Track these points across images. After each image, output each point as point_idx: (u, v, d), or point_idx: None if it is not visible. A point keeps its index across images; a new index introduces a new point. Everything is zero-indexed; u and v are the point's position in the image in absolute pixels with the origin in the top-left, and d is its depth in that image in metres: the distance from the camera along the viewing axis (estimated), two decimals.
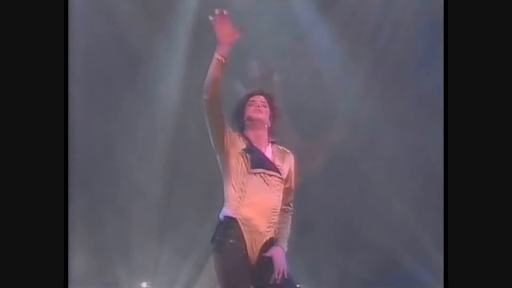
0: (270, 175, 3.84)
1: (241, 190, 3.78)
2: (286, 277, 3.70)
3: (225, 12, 3.71)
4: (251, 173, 3.80)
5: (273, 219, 3.84)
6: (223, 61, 3.72)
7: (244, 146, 3.86)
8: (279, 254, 3.75)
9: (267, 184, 3.82)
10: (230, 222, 3.77)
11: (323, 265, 10.45)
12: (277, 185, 3.87)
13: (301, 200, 4.17)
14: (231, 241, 3.72)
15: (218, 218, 3.85)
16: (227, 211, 3.81)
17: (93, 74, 10.12)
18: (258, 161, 3.83)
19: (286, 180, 3.93)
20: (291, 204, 4.01)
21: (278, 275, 3.68)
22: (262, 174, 3.82)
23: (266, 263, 3.73)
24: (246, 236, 3.74)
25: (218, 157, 3.88)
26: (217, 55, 3.72)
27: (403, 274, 10.36)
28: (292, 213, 4.01)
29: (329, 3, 10.45)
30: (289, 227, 3.95)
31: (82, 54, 9.53)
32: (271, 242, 3.82)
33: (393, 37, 10.49)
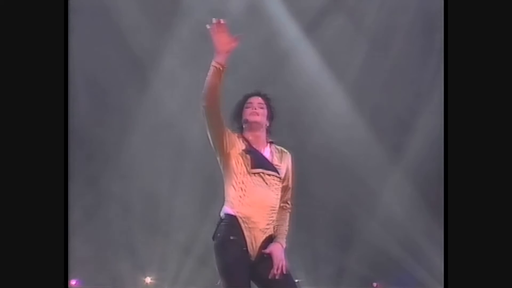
0: (269, 175, 3.90)
1: (241, 190, 3.84)
2: (285, 272, 3.77)
3: (222, 21, 3.73)
4: (251, 173, 3.86)
5: (272, 216, 3.90)
6: (221, 68, 3.73)
7: (244, 147, 3.91)
8: (278, 250, 3.82)
9: (266, 183, 3.88)
10: (231, 220, 3.82)
11: (321, 261, 10.50)
12: (276, 184, 3.93)
13: (300, 197, 4.22)
14: (231, 238, 3.78)
15: (219, 216, 3.89)
16: (227, 209, 3.86)
17: (96, 75, 10.16)
18: (257, 162, 3.88)
19: (284, 179, 4.00)
20: (289, 202, 4.08)
21: (277, 270, 3.75)
22: (261, 174, 3.88)
23: (265, 259, 3.79)
24: (246, 233, 3.80)
25: (218, 158, 3.93)
26: (214, 63, 3.74)
27: (402, 273, 10.41)
28: (290, 210, 4.08)
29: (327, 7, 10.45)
30: (287, 224, 4.03)
31: (84, 54, 9.57)
32: (270, 239, 3.88)
33: (392, 38, 10.48)
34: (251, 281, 3.81)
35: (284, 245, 3.89)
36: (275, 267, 3.74)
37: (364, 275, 10.68)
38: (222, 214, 3.88)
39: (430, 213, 9.74)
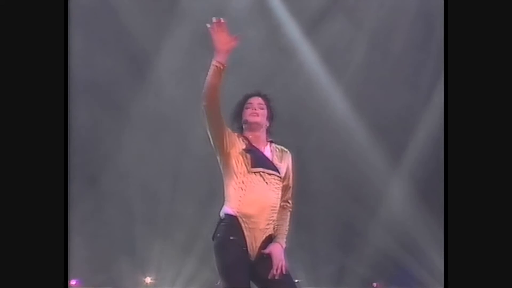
0: (269, 174, 3.90)
1: (241, 189, 3.84)
2: (284, 272, 3.77)
3: (222, 20, 3.73)
4: (251, 172, 3.85)
5: (272, 216, 3.90)
6: (221, 67, 3.74)
7: (244, 146, 3.91)
8: (277, 251, 3.82)
9: (266, 182, 3.88)
10: (231, 220, 3.82)
11: (321, 261, 10.49)
12: (276, 183, 3.92)
13: (300, 197, 4.21)
14: (231, 238, 3.78)
15: (219, 216, 3.88)
16: (227, 209, 3.86)
17: (96, 75, 10.16)
18: (257, 161, 3.88)
19: (284, 178, 3.99)
20: (289, 201, 4.08)
21: (276, 270, 3.75)
22: (261, 173, 3.87)
23: (265, 259, 3.79)
24: (246, 233, 3.80)
25: (218, 158, 3.93)
26: (215, 62, 3.74)
27: (402, 273, 10.41)
28: (291, 209, 4.08)
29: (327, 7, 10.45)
30: (287, 223, 4.02)
31: (84, 54, 9.56)
32: (270, 239, 3.88)
33: (392, 38, 10.47)
34: (251, 281, 3.81)
35: (284, 245, 3.89)
36: (275, 267, 3.75)
37: (364, 275, 10.68)
38: (222, 214, 3.87)
39: (430, 213, 9.74)
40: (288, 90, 9.81)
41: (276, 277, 3.74)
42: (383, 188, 10.72)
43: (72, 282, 9.92)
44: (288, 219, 4.02)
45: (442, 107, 3.70)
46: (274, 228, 3.92)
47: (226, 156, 3.87)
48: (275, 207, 3.90)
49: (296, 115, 9.94)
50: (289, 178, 4.03)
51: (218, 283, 3.79)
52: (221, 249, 3.78)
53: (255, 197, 3.82)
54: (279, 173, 3.93)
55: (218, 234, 3.82)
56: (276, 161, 3.95)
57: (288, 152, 4.07)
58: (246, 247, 3.78)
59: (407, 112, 10.44)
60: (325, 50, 10.63)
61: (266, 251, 3.80)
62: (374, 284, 10.77)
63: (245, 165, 3.86)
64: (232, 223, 3.80)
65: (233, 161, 3.86)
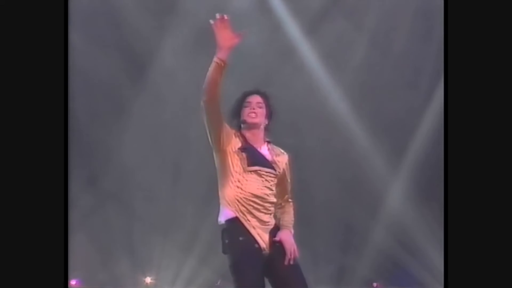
0: (266, 172, 3.90)
1: (238, 188, 3.84)
2: (297, 255, 3.80)
3: (225, 17, 3.73)
4: (247, 171, 3.86)
5: (270, 211, 3.90)
6: (222, 64, 3.73)
7: (240, 145, 3.91)
8: (287, 235, 3.86)
9: (262, 180, 3.88)
10: (232, 222, 3.81)
11: (321, 261, 10.49)
12: (271, 180, 3.92)
13: (300, 197, 4.22)
14: (240, 238, 3.77)
15: (219, 223, 3.87)
16: (226, 212, 3.85)
17: (96, 75, 10.16)
18: (253, 159, 3.88)
19: (281, 179, 3.99)
20: (290, 199, 4.10)
21: (290, 255, 3.78)
22: (258, 171, 3.88)
23: (278, 248, 3.81)
24: (251, 230, 3.79)
25: (215, 155, 3.92)
26: (216, 59, 3.74)
27: (402, 273, 10.41)
28: (292, 205, 4.10)
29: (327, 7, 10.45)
30: (292, 214, 4.04)
31: (84, 54, 9.57)
32: (276, 228, 3.89)
33: (392, 38, 10.47)
34: (266, 279, 3.80)
35: (292, 231, 3.92)
36: (288, 252, 3.78)
37: (364, 275, 10.69)
38: (221, 220, 3.85)
39: (430, 213, 9.75)
40: (288, 90, 9.80)
41: (292, 262, 3.77)
42: (383, 188, 10.73)
43: (72, 282, 9.93)
44: (292, 212, 4.04)
45: (442, 107, 3.70)
46: (279, 221, 3.93)
47: (222, 153, 3.87)
48: (272, 202, 3.91)
49: (296, 115, 9.93)
50: (286, 179, 4.03)
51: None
52: (235, 254, 3.75)
53: (252, 195, 3.81)
54: (275, 170, 3.93)
55: (226, 241, 3.80)
56: (272, 159, 3.95)
57: (285, 154, 4.07)
58: (257, 242, 3.78)
59: (407, 112, 10.45)
60: (325, 50, 10.63)
61: (277, 238, 3.82)
62: (374, 284, 10.78)
63: (241, 164, 3.86)
64: (235, 225, 3.79)
65: (229, 160, 3.86)
